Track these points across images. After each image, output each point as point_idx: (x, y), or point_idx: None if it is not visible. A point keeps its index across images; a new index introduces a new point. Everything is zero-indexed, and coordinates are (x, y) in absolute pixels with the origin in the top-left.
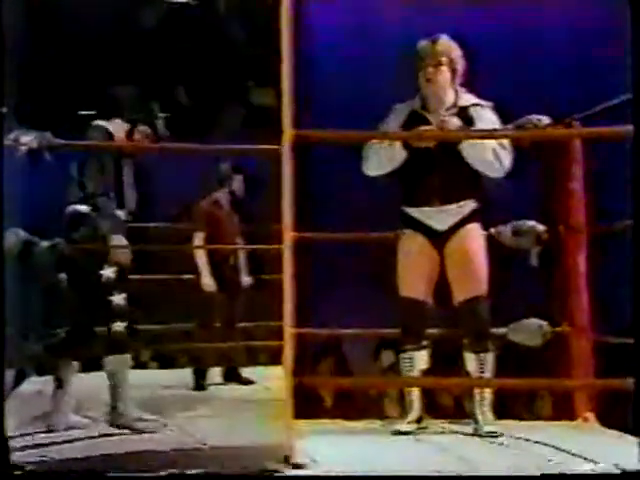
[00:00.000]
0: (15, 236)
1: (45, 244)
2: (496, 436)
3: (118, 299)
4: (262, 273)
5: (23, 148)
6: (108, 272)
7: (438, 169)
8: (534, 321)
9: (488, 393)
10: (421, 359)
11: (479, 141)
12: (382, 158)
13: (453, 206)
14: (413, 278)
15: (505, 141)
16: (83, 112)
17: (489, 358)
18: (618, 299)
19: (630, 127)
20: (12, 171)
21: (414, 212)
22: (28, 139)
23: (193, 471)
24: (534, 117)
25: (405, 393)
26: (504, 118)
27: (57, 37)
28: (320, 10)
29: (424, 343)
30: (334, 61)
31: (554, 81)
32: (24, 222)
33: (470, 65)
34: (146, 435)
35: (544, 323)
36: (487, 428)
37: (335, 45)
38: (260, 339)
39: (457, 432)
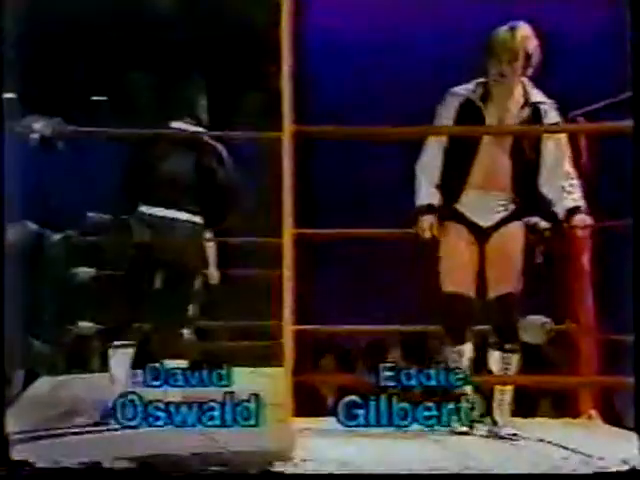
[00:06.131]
0: (24, 228)
1: (57, 237)
2: (516, 439)
3: (194, 309)
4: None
5: (35, 135)
6: (199, 282)
7: (483, 160)
8: (538, 318)
9: (509, 393)
10: (468, 351)
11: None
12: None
13: (496, 195)
14: (459, 272)
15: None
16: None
17: (514, 359)
18: (621, 297)
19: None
20: (24, 160)
21: (461, 207)
22: (40, 126)
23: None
24: None
25: None
26: None
27: (68, 23)
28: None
29: (468, 336)
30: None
31: (555, 79)
32: (35, 214)
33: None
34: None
35: (548, 320)
36: (506, 430)
37: (341, 44)
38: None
39: (465, 433)
